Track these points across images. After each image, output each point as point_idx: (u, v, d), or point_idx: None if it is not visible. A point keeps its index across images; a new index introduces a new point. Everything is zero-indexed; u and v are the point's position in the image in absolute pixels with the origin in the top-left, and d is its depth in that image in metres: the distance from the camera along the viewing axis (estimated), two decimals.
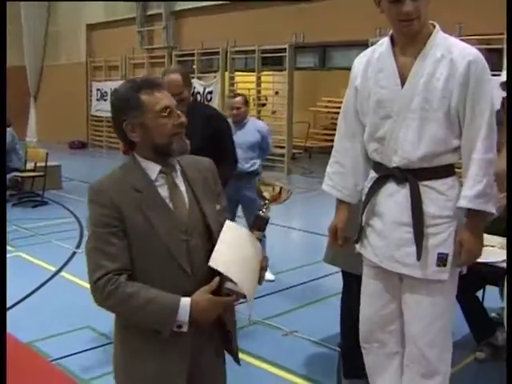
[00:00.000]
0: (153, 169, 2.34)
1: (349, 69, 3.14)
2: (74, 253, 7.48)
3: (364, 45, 3.89)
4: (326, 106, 18.71)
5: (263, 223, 2.42)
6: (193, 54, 16.81)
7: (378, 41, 3.06)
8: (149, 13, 18.15)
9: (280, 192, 2.43)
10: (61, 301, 5.72)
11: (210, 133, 4.29)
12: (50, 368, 4.40)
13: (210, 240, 2.36)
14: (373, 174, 3.03)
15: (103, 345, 4.70)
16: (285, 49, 14.49)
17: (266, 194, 2.42)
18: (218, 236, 2.34)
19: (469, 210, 2.84)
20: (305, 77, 17.55)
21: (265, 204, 2.42)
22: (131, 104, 2.29)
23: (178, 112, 2.35)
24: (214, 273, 2.29)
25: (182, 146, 2.40)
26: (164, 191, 2.33)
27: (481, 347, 4.49)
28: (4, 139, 3.48)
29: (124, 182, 2.31)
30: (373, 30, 11.29)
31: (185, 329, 2.23)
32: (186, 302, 2.22)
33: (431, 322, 2.95)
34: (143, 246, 2.25)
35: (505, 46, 9.22)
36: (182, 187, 2.38)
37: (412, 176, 2.86)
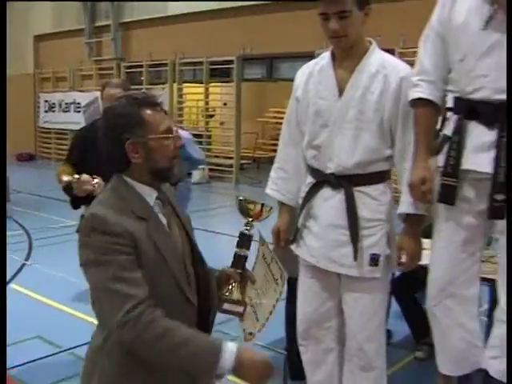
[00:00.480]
0: (150, 195, 2.16)
1: None
2: (23, 264, 7.47)
3: (310, 56, 3.99)
4: (274, 117, 18.81)
5: (248, 241, 2.45)
6: (141, 66, 16.81)
7: (323, 52, 3.22)
8: (97, 24, 18.10)
9: (261, 210, 2.48)
10: (10, 312, 5.71)
11: None
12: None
13: (195, 264, 2.26)
14: (310, 180, 3.19)
15: (53, 354, 4.75)
16: (233, 60, 14.63)
17: (251, 212, 2.47)
18: (202, 259, 2.30)
19: (407, 215, 3.02)
20: (252, 88, 17.71)
21: (248, 222, 2.47)
22: (135, 121, 2.08)
23: (176, 134, 2.20)
24: (203, 300, 2.24)
25: (180, 170, 2.29)
26: (162, 218, 2.18)
27: (420, 346, 4.65)
28: (4, 139, 3.50)
29: (125, 208, 2.08)
30: (318, 42, 11.48)
31: (224, 378, 1.99)
32: (231, 346, 1.97)
33: (369, 317, 3.11)
34: (155, 276, 2.05)
35: None
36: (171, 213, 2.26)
37: (346, 182, 3.03)
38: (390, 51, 7.76)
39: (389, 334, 4.99)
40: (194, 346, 1.95)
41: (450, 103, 2.94)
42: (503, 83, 2.68)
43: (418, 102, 2.93)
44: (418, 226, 3.07)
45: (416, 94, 2.93)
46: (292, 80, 3.32)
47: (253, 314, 2.45)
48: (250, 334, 2.41)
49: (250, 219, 2.47)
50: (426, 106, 2.92)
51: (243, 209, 2.49)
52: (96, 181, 3.72)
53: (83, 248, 2.04)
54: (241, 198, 2.51)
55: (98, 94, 15.47)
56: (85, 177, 3.74)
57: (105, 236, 1.99)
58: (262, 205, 2.49)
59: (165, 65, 16.21)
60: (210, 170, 15.04)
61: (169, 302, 2.07)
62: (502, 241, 2.84)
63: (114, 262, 1.97)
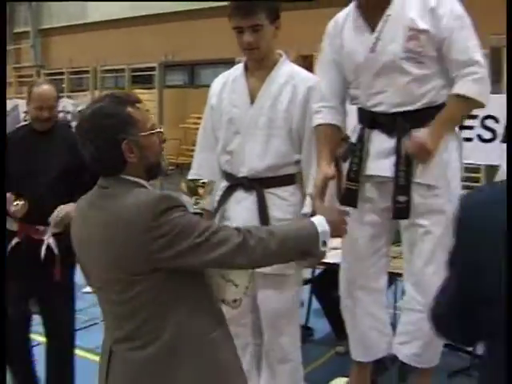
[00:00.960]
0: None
1: None
2: None
3: (231, 63, 4.10)
4: (195, 123, 18.83)
5: (201, 216, 2.62)
6: (62, 73, 16.60)
7: (243, 59, 3.39)
8: (15, 30, 17.79)
9: (203, 186, 2.66)
10: None
11: (71, 164, 3.53)
12: None
13: None
14: (224, 183, 3.33)
15: None
16: (154, 67, 14.62)
17: (199, 189, 2.64)
18: None
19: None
20: (174, 95, 17.73)
21: (196, 201, 2.64)
22: (126, 120, 2.06)
23: (161, 129, 2.22)
24: None
25: (166, 166, 2.35)
26: None
27: (341, 341, 4.74)
28: (4, 139, 3.44)
29: None
30: (239, 49, 11.64)
31: (327, 243, 2.19)
32: (317, 218, 2.22)
33: (283, 312, 3.26)
34: None
35: None
36: None
37: (258, 184, 3.19)
38: (309, 57, 7.94)
39: (310, 331, 5.17)
40: (293, 229, 2.20)
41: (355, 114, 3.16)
42: (399, 99, 2.91)
43: (320, 127, 3.12)
44: None
45: (318, 120, 3.13)
46: None
47: (227, 283, 2.43)
48: (235, 301, 2.45)
49: (198, 197, 2.64)
50: (329, 129, 3.12)
51: (191, 188, 2.66)
52: (18, 202, 3.51)
53: (161, 228, 1.97)
54: (187, 179, 2.75)
55: (18, 101, 14.87)
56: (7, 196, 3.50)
57: (176, 208, 2.01)
58: (205, 183, 2.69)
59: (86, 72, 16.04)
60: None
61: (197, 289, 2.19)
62: (405, 236, 3.09)
63: (196, 217, 2.08)
